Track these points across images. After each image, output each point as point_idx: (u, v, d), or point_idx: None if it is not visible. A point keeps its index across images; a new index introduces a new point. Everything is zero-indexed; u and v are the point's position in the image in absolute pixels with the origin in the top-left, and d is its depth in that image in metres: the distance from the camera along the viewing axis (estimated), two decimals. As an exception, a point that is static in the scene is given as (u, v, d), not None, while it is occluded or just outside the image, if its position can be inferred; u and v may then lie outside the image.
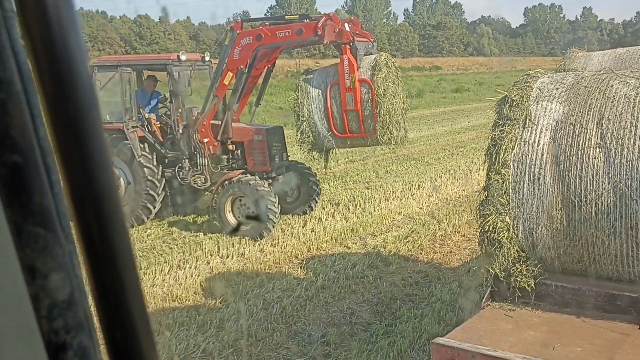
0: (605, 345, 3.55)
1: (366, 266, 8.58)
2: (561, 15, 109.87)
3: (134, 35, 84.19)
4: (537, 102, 4.26)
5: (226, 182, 10.13)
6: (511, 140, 4.18)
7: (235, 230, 9.88)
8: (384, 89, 9.50)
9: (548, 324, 3.90)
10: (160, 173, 10.74)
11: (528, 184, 4.10)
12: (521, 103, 4.26)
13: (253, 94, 11.37)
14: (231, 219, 10.10)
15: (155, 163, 10.73)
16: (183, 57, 10.69)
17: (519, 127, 4.20)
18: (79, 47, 0.60)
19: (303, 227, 10.72)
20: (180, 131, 10.85)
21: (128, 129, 10.60)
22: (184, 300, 7.63)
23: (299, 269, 8.62)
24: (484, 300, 4.31)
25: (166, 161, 11.07)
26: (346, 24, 9.79)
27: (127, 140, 10.59)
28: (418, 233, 10.06)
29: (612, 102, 3.95)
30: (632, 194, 3.70)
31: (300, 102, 9.97)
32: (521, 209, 4.13)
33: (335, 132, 9.89)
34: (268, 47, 10.07)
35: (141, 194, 10.61)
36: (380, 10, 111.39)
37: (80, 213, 0.61)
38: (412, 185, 13.69)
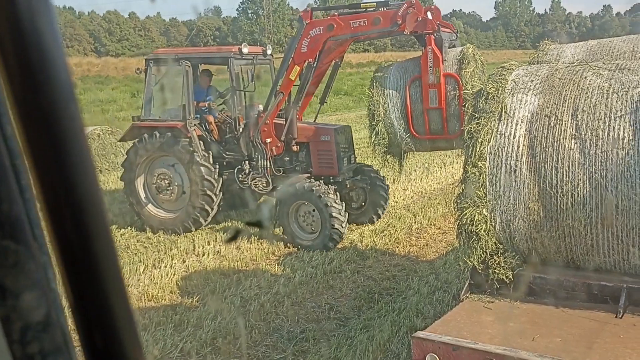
0: (583, 335, 3.58)
1: (344, 261, 8.57)
2: (531, 9, 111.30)
3: (104, 32, 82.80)
4: (513, 94, 4.27)
5: (289, 187, 9.35)
6: (487, 132, 4.19)
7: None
8: (472, 85, 8.18)
9: (527, 315, 3.92)
10: (217, 174, 10.03)
11: (505, 176, 4.11)
12: (496, 96, 4.27)
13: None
14: (295, 228, 9.38)
15: (212, 162, 10.00)
16: (245, 50, 9.87)
17: (494, 120, 4.21)
18: (53, 31, 0.53)
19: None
20: (241, 130, 10.04)
21: (191, 127, 9.91)
22: (160, 299, 7.52)
23: (277, 266, 8.57)
24: (462, 292, 4.32)
25: (224, 163, 10.27)
26: (428, 13, 8.66)
27: (185, 139, 9.92)
28: (394, 226, 10.09)
29: (586, 93, 3.98)
30: (607, 184, 3.73)
31: (376, 100, 8.78)
32: (498, 201, 4.14)
33: (415, 133, 8.71)
34: (341, 39, 9.13)
35: (198, 195, 9.92)
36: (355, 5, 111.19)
37: (57, 222, 0.54)
38: (387, 179, 13.71)
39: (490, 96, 4.29)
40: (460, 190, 4.34)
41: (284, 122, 9.78)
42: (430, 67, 8.38)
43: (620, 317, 3.68)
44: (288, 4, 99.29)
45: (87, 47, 78.18)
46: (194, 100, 10.14)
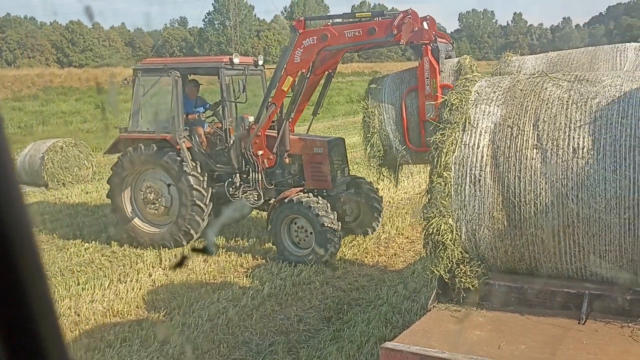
0: (547, 342, 3.64)
1: (312, 272, 8.55)
2: (493, 21, 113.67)
3: (66, 42, 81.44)
4: (476, 105, 4.34)
5: (283, 201, 9.10)
6: (452, 143, 4.25)
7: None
8: None
9: (493, 323, 3.96)
10: (206, 183, 9.73)
11: (469, 185, 4.16)
12: (460, 107, 4.34)
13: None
14: (288, 244, 9.13)
15: (200, 171, 9.71)
16: (236, 60, 9.65)
17: (459, 131, 4.27)
18: None
19: (247, 235, 10.59)
20: (232, 142, 9.74)
21: (180, 139, 9.63)
22: (126, 315, 7.38)
23: (245, 278, 8.50)
24: (430, 302, 4.35)
25: (214, 175, 9.99)
26: (424, 23, 8.52)
27: (173, 151, 9.65)
28: (363, 236, 10.12)
29: (547, 104, 4.07)
30: (569, 193, 3.82)
31: (371, 112, 8.55)
32: (463, 211, 4.19)
33: (411, 145, 8.45)
34: (335, 49, 8.98)
35: (187, 206, 9.62)
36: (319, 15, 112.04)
37: None
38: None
39: (454, 107, 4.36)
40: (427, 200, 4.38)
41: (276, 134, 9.62)
42: (427, 78, 8.22)
43: (583, 323, 3.76)
44: (255, 15, 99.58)
45: (50, 58, 76.79)
46: (183, 111, 9.90)
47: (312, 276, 8.41)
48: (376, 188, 10.38)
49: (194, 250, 9.07)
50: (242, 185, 9.78)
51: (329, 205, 8.95)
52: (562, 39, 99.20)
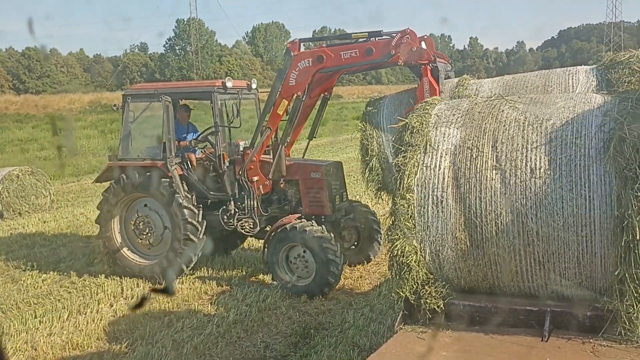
0: (512, 360, 3.68)
1: (278, 297, 8.47)
2: (451, 45, 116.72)
3: (23, 69, 79.85)
4: (436, 127, 4.42)
5: (282, 228, 8.73)
6: (414, 165, 4.30)
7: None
8: None
9: (459, 343, 3.99)
10: (201, 216, 9.37)
11: (432, 207, 4.22)
12: (421, 129, 4.41)
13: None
14: (286, 273, 8.75)
15: (195, 204, 9.37)
16: (229, 84, 9.28)
17: (420, 153, 4.33)
18: None
19: (211, 261, 10.45)
20: (226, 168, 9.39)
21: (172, 166, 9.29)
22: (86, 347, 7.15)
23: (209, 305, 8.36)
24: (396, 324, 4.35)
25: (208, 203, 9.59)
26: (422, 42, 8.32)
27: (165, 179, 9.31)
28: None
29: (504, 126, 4.18)
30: (528, 212, 3.90)
31: (369, 134, 8.41)
32: (427, 232, 4.24)
33: None
34: (331, 71, 8.80)
35: (180, 240, 9.22)
36: (281, 41, 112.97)
37: None
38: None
39: (415, 130, 4.43)
40: (391, 222, 4.41)
41: (272, 159, 9.32)
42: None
43: (546, 341, 3.81)
44: (216, 40, 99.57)
45: (5, 85, 75.06)
46: (175, 137, 9.61)
47: (278, 301, 8.33)
48: (373, 210, 10.17)
49: (154, 290, 8.68)
50: (237, 213, 9.42)
51: (332, 234, 8.65)
52: (516, 62, 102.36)
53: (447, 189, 4.19)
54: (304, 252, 8.64)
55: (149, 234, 9.70)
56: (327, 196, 9.09)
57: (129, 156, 9.96)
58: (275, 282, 8.81)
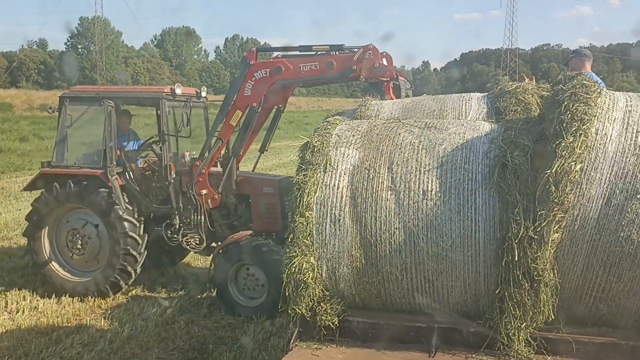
0: (401, 375, 3.81)
1: (177, 311, 8.28)
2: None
3: None
4: (336, 147, 4.53)
5: (233, 245, 8.30)
6: (314, 184, 4.38)
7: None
8: None
9: (351, 359, 4.08)
10: (142, 230, 8.85)
11: (330, 225, 4.31)
12: (322, 149, 4.50)
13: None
14: (235, 294, 8.31)
15: (137, 216, 8.84)
16: (179, 91, 8.86)
17: (320, 172, 4.42)
18: None
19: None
20: (172, 180, 8.86)
21: (112, 175, 8.71)
22: (-38, 367, 6.63)
23: (103, 320, 8.02)
24: (292, 341, 4.39)
25: (151, 216, 9.09)
26: (383, 59, 8.23)
27: (104, 189, 8.70)
28: None
29: (400, 149, 4.35)
30: (419, 232, 4.08)
31: None
32: (324, 249, 4.32)
33: None
34: (289, 83, 8.55)
35: (119, 255, 8.63)
36: (191, 46, 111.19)
37: None
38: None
39: (316, 149, 4.51)
40: (290, 239, 4.46)
41: (221, 172, 8.89)
42: None
43: (433, 356, 3.99)
44: (123, 41, 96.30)
45: None
46: (116, 145, 9.01)
47: (176, 315, 8.15)
48: None
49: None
50: (182, 228, 8.95)
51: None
52: (422, 81, 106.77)
53: (344, 208, 4.30)
54: (257, 271, 8.28)
55: (83, 248, 9.08)
56: (280, 212, 8.74)
57: (64, 163, 9.30)
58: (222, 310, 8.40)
